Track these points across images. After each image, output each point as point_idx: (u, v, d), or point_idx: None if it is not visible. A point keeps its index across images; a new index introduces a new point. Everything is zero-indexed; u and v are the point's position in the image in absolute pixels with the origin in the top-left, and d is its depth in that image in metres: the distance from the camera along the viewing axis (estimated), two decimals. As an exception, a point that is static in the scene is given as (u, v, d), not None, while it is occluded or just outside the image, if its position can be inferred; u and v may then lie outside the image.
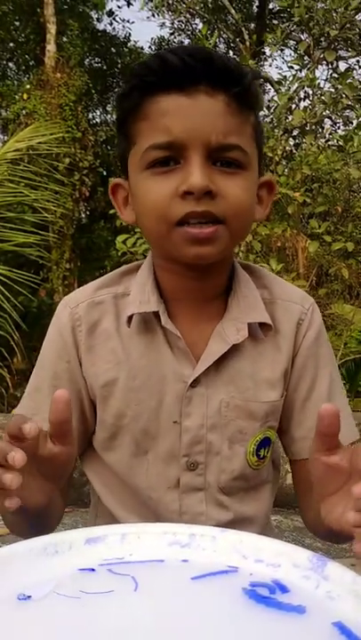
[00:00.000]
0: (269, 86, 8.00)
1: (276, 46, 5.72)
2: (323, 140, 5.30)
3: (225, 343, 0.85)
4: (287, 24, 6.05)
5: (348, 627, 0.52)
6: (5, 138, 8.22)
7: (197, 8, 8.54)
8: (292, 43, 7.33)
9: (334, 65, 6.34)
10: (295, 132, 5.32)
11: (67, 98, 8.02)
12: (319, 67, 5.78)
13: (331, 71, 6.28)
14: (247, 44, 8.29)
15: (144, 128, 0.78)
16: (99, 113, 10.68)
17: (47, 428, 0.69)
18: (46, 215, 4.50)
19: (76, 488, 2.55)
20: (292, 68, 5.43)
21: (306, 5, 5.05)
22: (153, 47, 11.06)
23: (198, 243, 0.77)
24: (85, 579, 0.60)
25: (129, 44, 10.90)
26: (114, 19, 11.05)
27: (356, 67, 8.14)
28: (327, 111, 4.96)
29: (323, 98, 4.91)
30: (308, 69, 5.17)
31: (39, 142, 4.38)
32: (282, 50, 8.14)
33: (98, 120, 10.40)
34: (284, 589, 0.58)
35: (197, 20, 9.42)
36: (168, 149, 0.76)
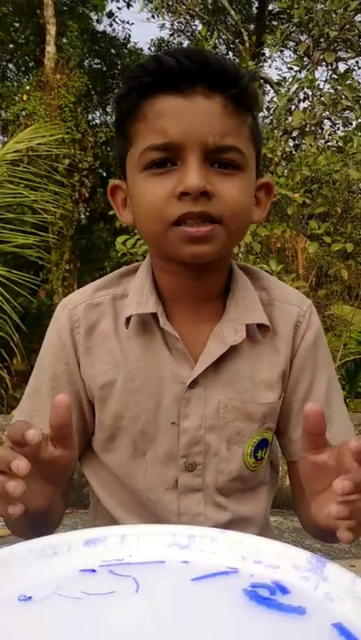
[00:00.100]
0: (269, 87, 8.02)
1: (275, 47, 5.73)
2: (322, 141, 5.31)
3: (223, 344, 0.85)
4: (287, 25, 6.06)
5: (348, 628, 0.52)
6: (5, 139, 8.23)
7: (197, 9, 8.56)
8: (291, 44, 7.34)
9: (334, 66, 6.34)
10: (295, 133, 5.32)
11: (66, 99, 8.03)
12: (319, 68, 5.79)
13: (330, 72, 6.29)
14: (247, 45, 8.30)
15: (142, 129, 0.78)
16: (98, 114, 10.71)
17: (47, 429, 0.69)
18: (46, 216, 4.50)
19: (76, 489, 2.55)
20: (291, 69, 5.44)
21: (305, 7, 5.06)
22: (153, 48, 11.08)
23: (195, 241, 0.77)
24: (86, 580, 0.60)
25: (129, 46, 10.92)
26: (114, 20, 11.07)
27: (356, 68, 8.16)
28: (327, 112, 4.97)
29: (322, 99, 4.91)
30: (308, 70, 5.17)
31: (39, 143, 4.38)
32: (281, 51, 8.16)
33: (97, 121, 10.42)
34: (284, 590, 0.58)
35: (197, 22, 9.44)
36: (165, 151, 0.77)
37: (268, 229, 4.27)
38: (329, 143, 5.29)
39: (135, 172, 0.80)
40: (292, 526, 2.72)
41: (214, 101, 0.76)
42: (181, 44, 10.49)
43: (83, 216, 8.98)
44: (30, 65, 10.45)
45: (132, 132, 0.80)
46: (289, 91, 5.11)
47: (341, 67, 6.99)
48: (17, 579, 0.59)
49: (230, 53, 10.18)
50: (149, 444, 0.88)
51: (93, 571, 0.62)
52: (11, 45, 10.59)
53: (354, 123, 5.26)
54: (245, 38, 8.61)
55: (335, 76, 5.49)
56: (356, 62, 8.07)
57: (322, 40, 5.45)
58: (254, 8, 10.54)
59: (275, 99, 5.29)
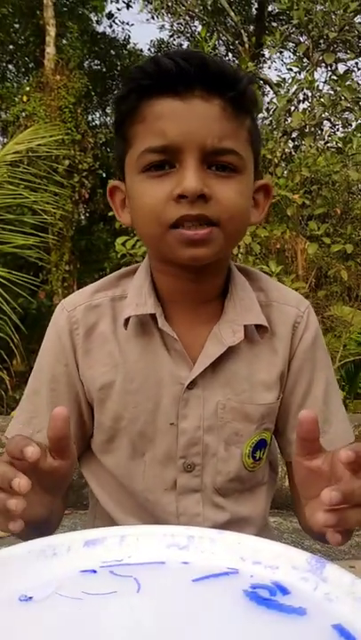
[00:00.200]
0: (268, 88, 8.02)
1: (275, 49, 5.73)
2: (322, 142, 5.31)
3: (221, 345, 0.85)
4: (286, 26, 6.06)
5: (348, 629, 0.52)
6: (5, 140, 8.23)
7: (197, 10, 8.56)
8: (291, 45, 7.35)
9: (333, 67, 6.35)
10: (294, 134, 5.32)
11: (66, 100, 8.03)
12: (318, 69, 5.80)
13: (330, 73, 6.29)
14: (246, 46, 8.31)
15: (140, 131, 0.78)
16: (98, 115, 10.71)
17: (46, 431, 0.69)
18: (46, 217, 4.50)
19: (75, 490, 2.55)
20: (291, 70, 5.45)
21: (305, 8, 5.06)
22: (152, 49, 11.08)
23: (193, 244, 0.77)
24: (87, 580, 0.60)
25: (128, 47, 10.91)
26: (113, 21, 11.06)
27: (355, 69, 8.18)
28: (326, 113, 4.97)
29: (322, 100, 4.92)
30: (308, 71, 5.18)
31: (39, 144, 4.38)
32: (281, 52, 8.18)
33: (97, 122, 10.42)
34: (284, 591, 0.59)
35: (197, 23, 9.43)
36: (163, 153, 0.77)
37: (267, 230, 4.27)
38: (328, 144, 5.30)
39: (134, 173, 0.80)
40: (292, 527, 2.72)
41: (213, 104, 0.76)
42: (181, 45, 10.50)
43: (82, 217, 8.99)
44: (30, 66, 10.45)
45: (130, 133, 0.80)
46: (288, 92, 5.11)
47: (341, 68, 7.01)
48: (17, 579, 0.59)
49: (230, 54, 10.19)
50: (148, 444, 0.88)
51: (94, 571, 0.62)
52: (10, 46, 10.59)
53: (353, 124, 5.26)
54: (245, 39, 8.62)
55: (335, 77, 5.49)
56: (356, 63, 8.09)
57: (321, 41, 5.46)
58: (254, 9, 10.54)
59: (274, 100, 5.29)
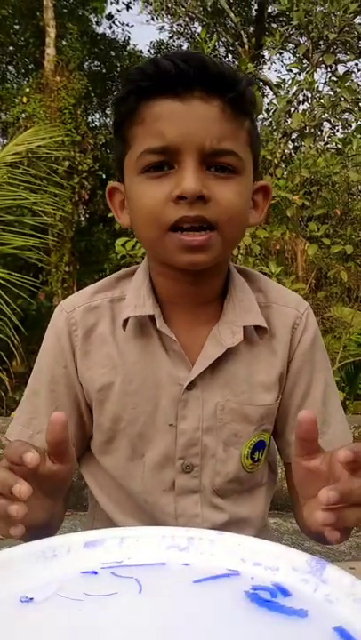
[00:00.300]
0: (268, 89, 8.03)
1: (275, 50, 5.74)
2: (322, 143, 5.31)
3: (220, 346, 0.85)
4: (286, 27, 6.06)
5: (348, 631, 0.52)
6: (5, 141, 8.24)
7: (196, 12, 8.57)
8: (290, 46, 7.36)
9: (333, 68, 6.36)
10: (294, 135, 5.33)
11: (66, 101, 8.03)
12: (318, 70, 5.81)
13: (330, 74, 6.30)
14: (246, 47, 8.32)
15: (139, 132, 0.78)
16: (98, 116, 10.70)
17: (45, 432, 0.69)
18: (45, 218, 4.50)
19: (75, 491, 2.55)
20: (290, 71, 5.46)
21: (305, 9, 5.06)
22: (152, 51, 11.08)
23: (191, 250, 0.77)
24: (88, 581, 0.60)
25: (128, 48, 10.91)
26: (113, 22, 11.06)
27: (355, 70, 8.19)
28: (326, 114, 4.97)
29: (322, 101, 4.92)
30: (307, 73, 5.18)
31: (39, 145, 4.38)
32: (281, 53, 8.19)
33: (97, 123, 10.42)
34: (285, 593, 0.58)
35: (196, 24, 9.44)
36: (162, 154, 0.77)
37: (267, 231, 4.28)
38: (328, 145, 5.30)
39: (133, 174, 0.80)
40: (292, 528, 2.72)
41: (212, 105, 0.76)
42: (181, 46, 10.50)
43: (82, 218, 8.99)
44: (30, 67, 10.46)
45: (129, 134, 0.80)
46: (288, 93, 5.12)
47: (341, 69, 7.02)
48: (17, 580, 0.59)
49: (230, 56, 10.19)
50: (147, 446, 0.88)
51: (95, 572, 0.62)
52: (10, 47, 10.59)
53: (353, 125, 5.27)
54: (245, 40, 8.63)
55: (334, 79, 5.50)
56: (356, 64, 8.10)
57: (321, 42, 5.47)
58: (254, 10, 10.55)
59: (274, 101, 5.30)
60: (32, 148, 4.35)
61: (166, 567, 0.63)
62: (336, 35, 5.22)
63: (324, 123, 5.37)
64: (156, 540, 0.66)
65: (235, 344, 0.86)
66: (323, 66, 5.84)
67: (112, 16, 10.99)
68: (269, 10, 9.97)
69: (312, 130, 5.06)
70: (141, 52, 10.91)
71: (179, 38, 10.46)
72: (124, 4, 10.92)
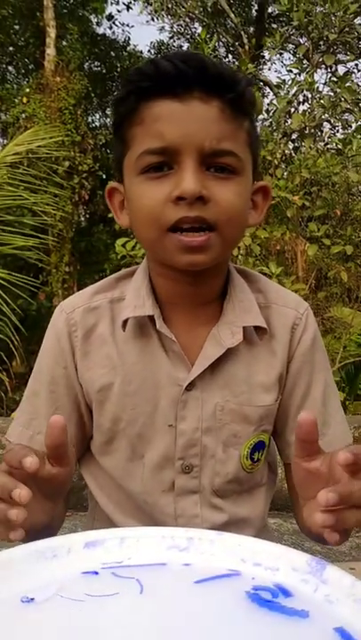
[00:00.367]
0: (269, 90, 8.03)
1: (275, 50, 5.74)
2: (322, 144, 5.32)
3: (220, 347, 0.85)
4: (286, 28, 6.07)
5: (349, 632, 0.52)
6: (5, 141, 8.23)
7: (197, 12, 8.56)
8: (291, 46, 7.36)
9: (333, 68, 6.37)
10: (294, 136, 5.33)
11: (66, 101, 8.03)
12: (318, 70, 5.81)
13: (330, 75, 6.31)
14: (246, 47, 8.32)
15: (139, 133, 0.78)
16: (98, 117, 10.70)
17: (45, 435, 0.69)
18: (46, 218, 4.50)
19: (76, 492, 2.54)
20: (291, 71, 5.46)
21: (305, 9, 5.07)
22: (152, 51, 11.07)
23: (190, 251, 0.77)
24: (89, 581, 0.60)
25: (128, 48, 10.91)
26: (113, 23, 11.05)
27: (355, 70, 8.19)
28: (326, 115, 4.98)
29: (322, 101, 4.92)
30: (307, 73, 5.18)
31: (39, 146, 4.38)
32: (281, 54, 8.19)
33: (97, 124, 10.41)
34: (286, 593, 0.58)
35: (197, 24, 9.44)
36: (162, 155, 0.77)
37: (267, 232, 4.28)
38: (328, 146, 5.31)
39: (132, 175, 0.80)
40: (292, 528, 2.72)
41: (211, 106, 0.76)
42: (181, 46, 10.50)
43: (82, 218, 8.99)
44: (30, 67, 10.46)
45: (129, 135, 0.80)
46: (288, 93, 5.12)
47: (341, 69, 7.02)
48: (18, 581, 0.59)
49: (230, 56, 10.19)
50: (147, 446, 0.88)
51: (96, 573, 0.62)
52: (10, 48, 10.59)
53: (353, 125, 5.27)
54: (245, 41, 8.62)
55: (335, 79, 5.50)
56: (356, 65, 8.10)
57: (321, 43, 5.47)
58: (254, 11, 10.55)
59: (274, 101, 5.31)
60: (32, 148, 4.36)
61: (167, 567, 0.63)
62: (336, 35, 5.22)
63: (325, 123, 5.38)
64: (156, 540, 0.66)
65: (234, 344, 0.86)
66: (323, 66, 5.85)
67: (112, 16, 10.99)
68: (270, 10, 9.97)
69: (312, 130, 5.06)
70: (142, 52, 10.91)
71: (179, 39, 10.46)
72: (124, 4, 10.92)
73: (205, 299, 0.88)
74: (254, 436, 0.89)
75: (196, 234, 0.77)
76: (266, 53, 8.61)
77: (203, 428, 0.87)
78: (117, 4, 10.98)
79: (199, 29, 8.15)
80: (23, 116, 8.00)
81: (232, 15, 8.87)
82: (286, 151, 5.12)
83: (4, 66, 10.83)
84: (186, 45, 10.31)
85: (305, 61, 5.54)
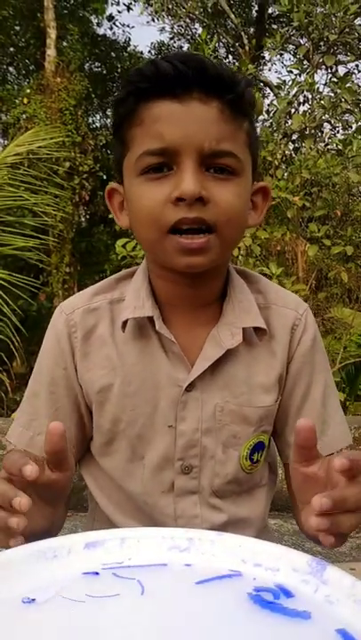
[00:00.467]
0: (269, 91, 8.04)
1: (275, 51, 5.75)
2: (322, 145, 5.32)
3: (220, 348, 0.85)
4: (287, 29, 6.07)
5: (351, 633, 0.52)
6: (5, 142, 8.23)
7: (197, 13, 8.56)
8: (291, 47, 7.37)
9: (333, 69, 6.37)
10: (295, 137, 5.33)
11: (67, 102, 8.03)
12: (318, 71, 5.82)
13: (330, 75, 6.31)
14: (247, 48, 8.32)
15: (138, 134, 0.78)
16: (99, 117, 10.70)
17: (44, 441, 0.69)
18: (46, 219, 4.50)
19: (76, 492, 2.54)
20: (291, 72, 5.48)
21: (305, 10, 5.07)
22: (153, 52, 11.08)
23: (190, 253, 0.77)
24: (90, 582, 0.60)
25: (129, 49, 10.91)
26: (114, 23, 11.07)
27: (356, 71, 8.20)
28: (326, 115, 4.98)
29: (322, 102, 4.93)
30: (308, 74, 5.19)
31: (39, 146, 4.38)
32: (281, 54, 8.20)
33: (98, 124, 10.42)
34: (288, 594, 0.58)
35: (197, 25, 9.44)
36: (161, 155, 0.77)
37: (268, 232, 4.28)
38: (329, 146, 5.31)
39: (132, 176, 0.80)
40: (292, 529, 2.72)
41: (210, 107, 0.76)
42: (181, 47, 10.50)
43: (83, 219, 8.98)
44: (31, 68, 10.46)
45: (128, 136, 0.80)
46: (289, 94, 5.13)
47: (341, 70, 7.03)
48: (18, 581, 0.59)
49: (230, 57, 10.20)
50: (146, 447, 0.88)
51: (96, 573, 0.62)
52: (11, 49, 10.60)
53: (353, 126, 5.27)
54: (245, 42, 8.63)
55: (335, 80, 5.50)
56: (356, 65, 8.10)
57: (322, 43, 5.47)
58: (254, 11, 10.55)
59: (275, 102, 5.31)
60: (33, 148, 4.36)
61: (168, 568, 0.63)
62: (337, 36, 5.22)
63: (325, 124, 5.39)
64: (156, 540, 0.66)
65: (234, 345, 0.86)
66: (323, 67, 5.85)
67: (113, 17, 11.00)
68: (270, 11, 9.97)
69: (312, 131, 5.07)
70: (142, 53, 10.92)
71: (179, 39, 10.47)
72: (124, 5, 10.93)
73: (205, 300, 0.88)
74: (254, 437, 0.89)
75: (196, 236, 0.77)
76: (266, 54, 8.63)
77: (202, 428, 0.87)
78: (118, 4, 11.00)
79: (200, 30, 8.16)
80: (24, 116, 8.00)
81: (232, 16, 8.88)
82: (287, 152, 5.12)
83: (5, 66, 10.84)
84: (186, 46, 10.31)
85: (305, 62, 5.55)
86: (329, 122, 5.36)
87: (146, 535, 0.67)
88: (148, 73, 0.77)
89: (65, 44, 9.04)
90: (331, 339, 4.60)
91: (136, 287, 0.89)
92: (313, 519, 0.62)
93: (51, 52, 8.49)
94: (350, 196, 5.23)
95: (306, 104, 5.28)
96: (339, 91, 4.84)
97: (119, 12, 13.35)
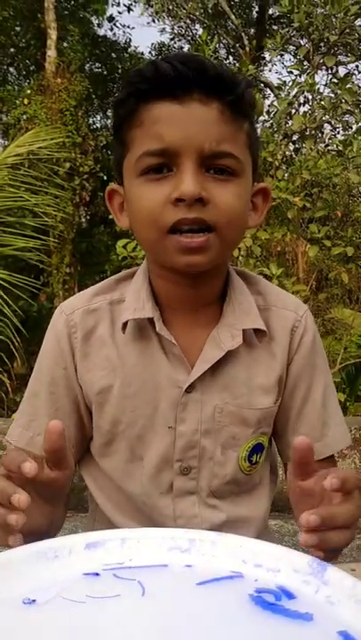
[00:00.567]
0: (269, 91, 8.04)
1: (275, 51, 5.75)
2: (322, 145, 5.32)
3: (220, 349, 0.85)
4: (287, 29, 6.07)
5: (353, 635, 0.52)
6: (6, 143, 8.23)
7: (197, 14, 8.57)
8: (291, 48, 7.36)
9: (334, 70, 6.36)
10: (295, 137, 5.33)
11: (67, 103, 8.03)
12: (319, 72, 5.81)
13: (330, 76, 6.30)
14: (247, 49, 8.33)
15: (138, 135, 0.78)
16: (99, 118, 10.70)
17: (43, 440, 0.69)
18: (46, 220, 4.50)
19: (76, 493, 2.54)
20: (291, 73, 5.48)
21: (305, 11, 5.07)
22: (153, 53, 11.08)
23: (189, 252, 0.77)
24: (90, 583, 0.60)
25: (129, 50, 10.91)
26: (114, 24, 11.06)
27: (356, 72, 8.19)
28: (327, 116, 4.98)
29: (322, 103, 4.93)
30: (308, 74, 5.19)
31: (40, 147, 4.38)
32: (282, 55, 8.18)
33: (98, 125, 10.42)
34: (290, 596, 0.58)
35: (197, 26, 9.44)
36: (161, 156, 0.77)
37: (268, 233, 4.27)
38: (329, 147, 5.31)
39: (132, 177, 0.80)
40: (293, 530, 2.72)
41: (211, 108, 0.76)
42: (182, 48, 10.50)
43: (83, 219, 8.98)
44: (31, 69, 10.46)
45: (128, 137, 0.80)
46: (289, 95, 5.13)
47: (341, 71, 7.01)
48: (19, 582, 0.59)
49: (231, 57, 10.20)
50: (146, 448, 0.88)
51: (97, 574, 0.62)
52: (12, 49, 10.60)
53: (354, 126, 5.27)
54: (246, 42, 8.64)
55: (335, 80, 5.50)
56: (356, 66, 8.09)
57: (322, 44, 5.47)
58: (254, 12, 10.55)
59: (275, 103, 5.31)
60: (33, 149, 4.36)
61: (168, 569, 0.63)
62: (337, 37, 5.22)
63: (325, 124, 5.38)
64: (157, 541, 0.66)
65: (234, 347, 0.86)
66: (324, 68, 5.85)
67: (113, 18, 11.00)
68: (270, 12, 9.97)
69: (313, 132, 5.07)
70: (142, 53, 10.92)
71: (180, 40, 10.47)
72: (125, 6, 10.93)
73: (205, 301, 0.88)
74: (253, 439, 0.89)
75: (195, 235, 0.77)
76: (267, 55, 8.63)
77: (202, 429, 0.87)
78: (118, 5, 11.00)
79: (200, 31, 8.16)
80: (24, 117, 8.00)
81: (233, 17, 8.88)
82: (287, 152, 5.12)
83: (5, 67, 10.84)
84: (187, 47, 10.32)
85: (306, 63, 5.55)
86: (329, 122, 5.36)
87: (146, 536, 0.67)
88: (149, 74, 0.77)
89: (65, 44, 9.04)
90: (331, 339, 4.60)
91: (136, 288, 0.89)
92: (302, 535, 0.62)
93: (51, 52, 8.49)
94: (351, 196, 5.23)
95: (306, 105, 5.28)
96: (339, 91, 4.84)
97: (120, 12, 13.29)
